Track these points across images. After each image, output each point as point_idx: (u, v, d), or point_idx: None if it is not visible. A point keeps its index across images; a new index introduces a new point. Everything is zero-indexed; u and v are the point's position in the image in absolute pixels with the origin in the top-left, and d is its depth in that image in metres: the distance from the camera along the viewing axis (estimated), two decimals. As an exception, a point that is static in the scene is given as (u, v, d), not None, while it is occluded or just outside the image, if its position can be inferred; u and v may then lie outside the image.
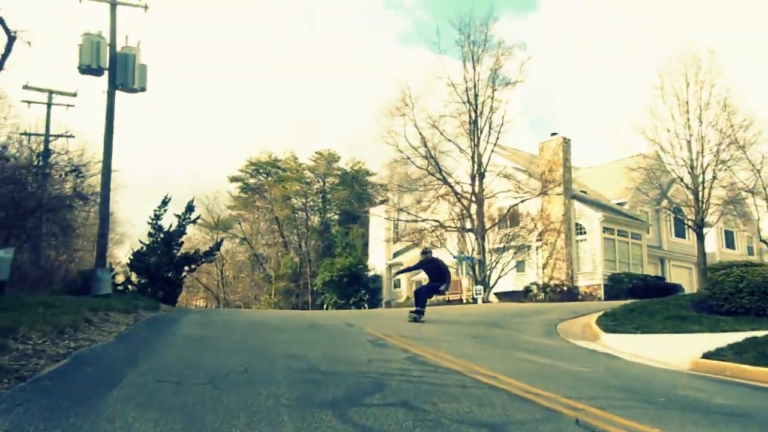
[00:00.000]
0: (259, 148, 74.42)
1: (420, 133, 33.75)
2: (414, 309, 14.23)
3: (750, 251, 41.41)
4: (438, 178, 34.22)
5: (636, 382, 7.04)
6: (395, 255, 45.85)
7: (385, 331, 10.98)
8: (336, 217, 61.76)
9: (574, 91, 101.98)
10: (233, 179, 62.37)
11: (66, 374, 5.02)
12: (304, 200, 61.97)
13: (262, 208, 62.50)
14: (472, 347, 9.11)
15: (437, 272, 14.77)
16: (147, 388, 4.53)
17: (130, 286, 23.62)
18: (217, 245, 32.73)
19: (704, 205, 30.99)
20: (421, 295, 14.62)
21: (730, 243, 40.70)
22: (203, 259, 27.87)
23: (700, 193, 30.90)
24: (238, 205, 63.25)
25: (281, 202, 59.95)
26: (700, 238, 31.64)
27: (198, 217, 29.87)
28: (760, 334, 10.41)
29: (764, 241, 32.12)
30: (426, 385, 5.22)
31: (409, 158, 34.37)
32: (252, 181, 63.33)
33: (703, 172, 30.90)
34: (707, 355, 9.42)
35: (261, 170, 62.63)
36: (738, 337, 10.32)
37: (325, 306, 43.14)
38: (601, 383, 6.65)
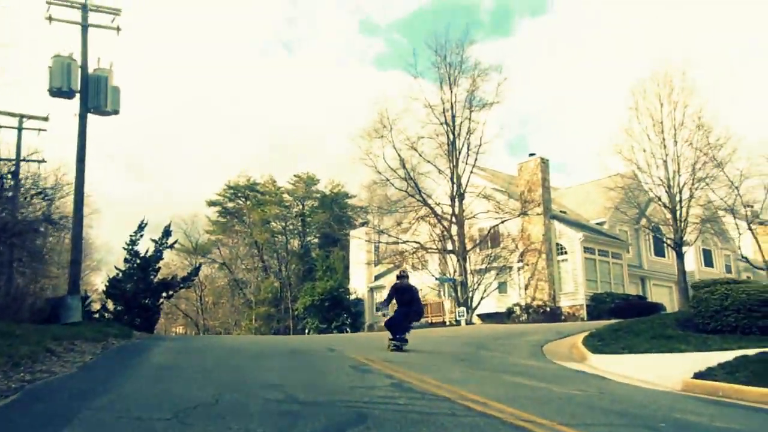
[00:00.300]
0: (238, 171, 73.82)
1: (399, 155, 33.63)
2: (394, 337, 12.86)
3: (728, 269, 41.65)
4: (418, 200, 34.02)
5: (632, 405, 6.72)
6: (377, 278, 45.39)
7: (369, 355, 10.58)
8: (316, 240, 61.19)
9: (552, 113, 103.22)
10: (211, 203, 61.65)
11: (12, 412, 4.56)
12: (283, 224, 61.35)
13: (241, 233, 61.73)
14: (460, 371, 8.75)
15: (410, 301, 13.44)
16: (103, 426, 4.10)
17: (106, 314, 22.95)
18: (196, 270, 32.03)
19: (682, 224, 31.08)
20: (397, 323, 13.12)
21: (708, 261, 40.90)
22: (181, 285, 27.23)
23: (678, 212, 31.01)
24: (217, 230, 62.41)
25: (260, 226, 59.29)
26: (680, 256, 31.69)
27: (175, 242, 29.28)
28: (749, 352, 10.24)
29: (744, 258, 32.24)
30: (413, 414, 4.85)
31: (388, 180, 34.17)
32: (230, 205, 62.64)
33: (680, 191, 31.06)
34: (698, 375, 9.21)
35: (239, 194, 62.02)
36: (727, 356, 10.13)
37: (307, 331, 42.43)
38: (597, 408, 6.32)
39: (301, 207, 61.39)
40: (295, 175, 60.71)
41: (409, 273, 16.67)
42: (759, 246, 31.74)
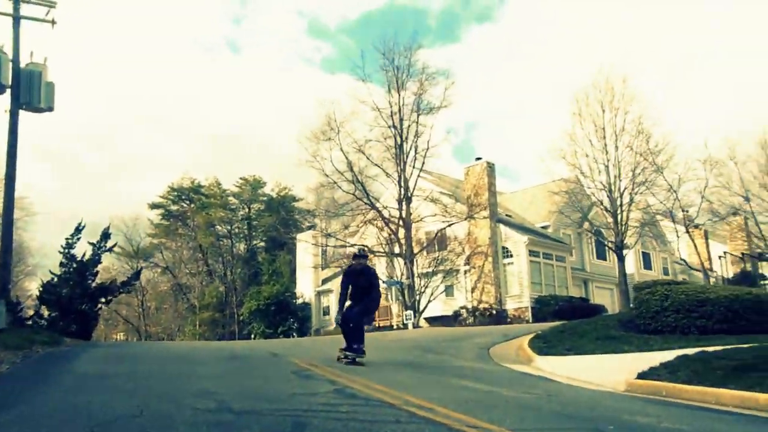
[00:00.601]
0: (181, 173, 72.02)
1: (346, 158, 33.36)
2: (348, 347, 10.07)
3: (665, 272, 42.98)
4: (365, 203, 33.81)
5: (580, 408, 6.62)
6: (324, 282, 44.93)
7: (312, 360, 10.24)
8: (262, 244, 60.25)
9: (499, 118, 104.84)
10: (154, 206, 59.89)
11: None
12: (228, 227, 60.20)
13: (185, 236, 60.24)
14: (406, 375, 8.52)
15: (368, 287, 10.49)
16: (6, 444, 3.66)
17: (40, 321, 21.78)
18: (136, 274, 30.84)
19: (623, 228, 31.87)
20: (354, 325, 10.14)
21: (647, 264, 42.13)
22: (121, 290, 26.12)
23: (619, 216, 31.78)
24: (159, 233, 60.67)
25: (205, 229, 57.98)
26: (621, 259, 32.48)
27: (114, 245, 28.10)
28: (689, 351, 10.39)
29: (682, 260, 33.32)
30: (355, 422, 4.56)
31: (335, 183, 33.86)
32: (174, 207, 61.05)
33: (621, 196, 31.85)
34: (642, 375, 9.26)
35: (183, 196, 60.51)
36: (668, 355, 10.26)
37: (253, 336, 41.58)
38: (546, 411, 6.18)
39: (247, 210, 60.36)
40: (241, 178, 59.68)
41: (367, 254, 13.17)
42: (696, 248, 32.84)
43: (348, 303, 10.53)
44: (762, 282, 32.92)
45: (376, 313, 38.93)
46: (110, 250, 26.21)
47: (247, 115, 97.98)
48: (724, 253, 26.54)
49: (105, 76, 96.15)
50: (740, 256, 26.29)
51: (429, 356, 12.56)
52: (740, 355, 9.42)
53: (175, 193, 60.07)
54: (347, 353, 9.98)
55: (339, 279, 43.15)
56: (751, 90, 76.42)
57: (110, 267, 57.28)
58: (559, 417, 5.85)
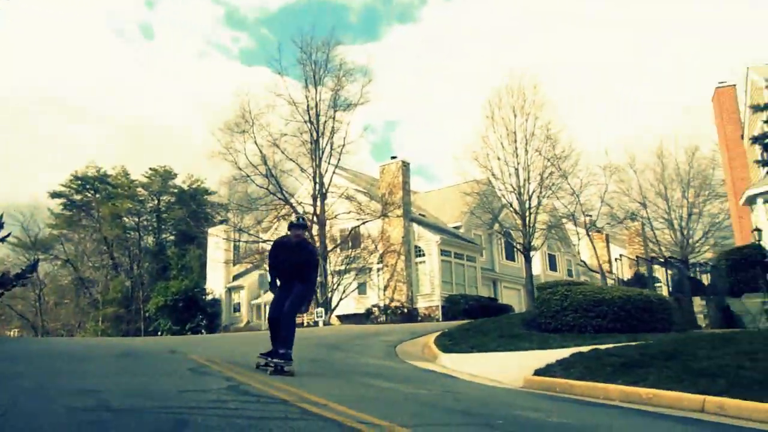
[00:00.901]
0: (86, 161, 68.42)
1: (260, 151, 32.86)
2: (274, 350, 7.76)
3: (570, 273, 44.93)
4: (279, 198, 33.39)
5: (475, 403, 6.73)
6: (235, 278, 44.00)
7: (214, 357, 9.90)
8: (172, 237, 58.28)
9: (418, 118, 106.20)
10: (55, 195, 56.50)
11: None
12: (136, 219, 57.83)
13: (89, 227, 57.33)
14: (308, 372, 8.38)
15: (304, 268, 8.01)
16: None
17: None
18: (32, 266, 28.94)
19: (531, 230, 33.07)
20: (284, 322, 7.83)
21: (553, 265, 43.88)
22: (14, 283, 24.46)
23: (527, 218, 32.94)
24: (61, 224, 57.30)
25: (110, 220, 55.38)
26: (528, 260, 33.67)
27: (8, 235, 26.36)
28: (584, 349, 10.79)
29: (582, 262, 34.95)
30: (241, 419, 4.40)
31: (249, 177, 33.25)
32: (77, 197, 57.90)
33: (530, 198, 33.04)
34: (538, 372, 9.54)
35: (88, 186, 57.52)
36: (565, 353, 10.60)
37: (159, 332, 40.11)
38: (440, 407, 6.24)
39: (156, 202, 58.16)
40: (150, 168, 57.36)
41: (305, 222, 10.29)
42: (595, 251, 34.50)
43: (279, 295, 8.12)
44: (656, 285, 35.01)
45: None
46: (3, 240, 24.61)
47: (160, 104, 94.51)
48: (620, 256, 28.03)
49: (5, 55, 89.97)
50: (635, 259, 27.81)
51: (335, 354, 12.46)
52: (628, 352, 9.88)
53: (79, 182, 57.03)
54: (272, 360, 7.66)
55: (250, 275, 42.86)
56: (653, 106, 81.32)
57: (5, 258, 53.81)
58: (452, 413, 5.91)
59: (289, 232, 8.37)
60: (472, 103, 75.32)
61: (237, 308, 43.17)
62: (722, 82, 29.53)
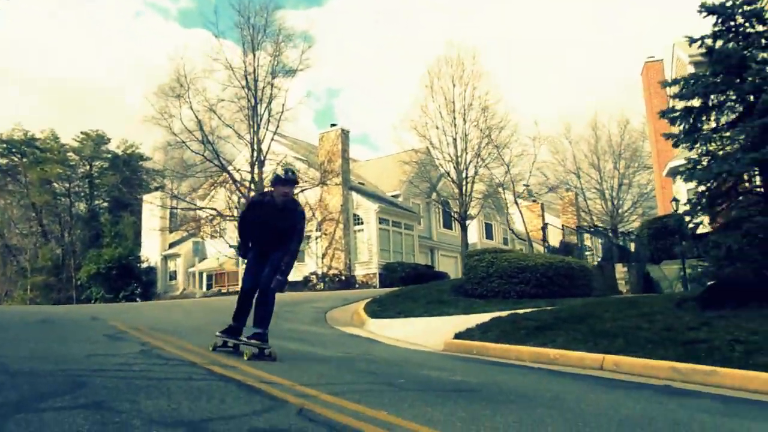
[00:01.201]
0: (11, 124, 65.15)
1: (196, 117, 32.14)
2: (234, 328, 6.69)
3: (505, 242, 46.09)
4: (216, 165, 32.82)
5: (385, 365, 6.95)
6: (171, 245, 43.25)
7: (137, 324, 9.84)
8: (105, 204, 56.56)
9: (361, 86, 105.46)
10: (-23, 159, 53.87)
11: None
12: (67, 185, 55.70)
13: (16, 193, 55.05)
14: (228, 337, 8.42)
15: (290, 232, 6.70)
16: None
17: None
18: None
19: (467, 199, 33.72)
20: (263, 297, 6.66)
21: (489, 234, 44.89)
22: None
23: (464, 188, 33.54)
24: (-16, 190, 54.82)
25: (39, 186, 53.20)
26: (464, 229, 34.37)
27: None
28: (503, 314, 11.21)
29: (511, 230, 35.96)
30: (141, 380, 4.46)
31: (184, 143, 32.48)
32: (2, 161, 55.32)
33: (466, 168, 33.60)
34: (458, 336, 9.87)
35: (14, 149, 54.91)
36: (486, 317, 11.00)
37: (93, 301, 39.18)
38: (351, 369, 6.43)
39: (88, 167, 56.14)
40: (82, 132, 55.18)
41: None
42: (523, 219, 35.52)
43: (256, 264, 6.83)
44: (587, 253, 36.43)
45: (225, 278, 38.48)
46: None
47: (93, 65, 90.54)
48: (546, 224, 29.00)
49: None
50: (561, 227, 28.83)
51: (263, 320, 12.51)
52: (544, 316, 10.35)
53: (4, 146, 54.40)
54: (249, 340, 6.38)
55: (186, 243, 42.19)
56: (596, 80, 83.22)
57: None
58: (360, 373, 6.12)
59: (272, 188, 6.66)
60: (418, 73, 75.39)
61: (173, 276, 42.53)
62: (651, 57, 30.52)
